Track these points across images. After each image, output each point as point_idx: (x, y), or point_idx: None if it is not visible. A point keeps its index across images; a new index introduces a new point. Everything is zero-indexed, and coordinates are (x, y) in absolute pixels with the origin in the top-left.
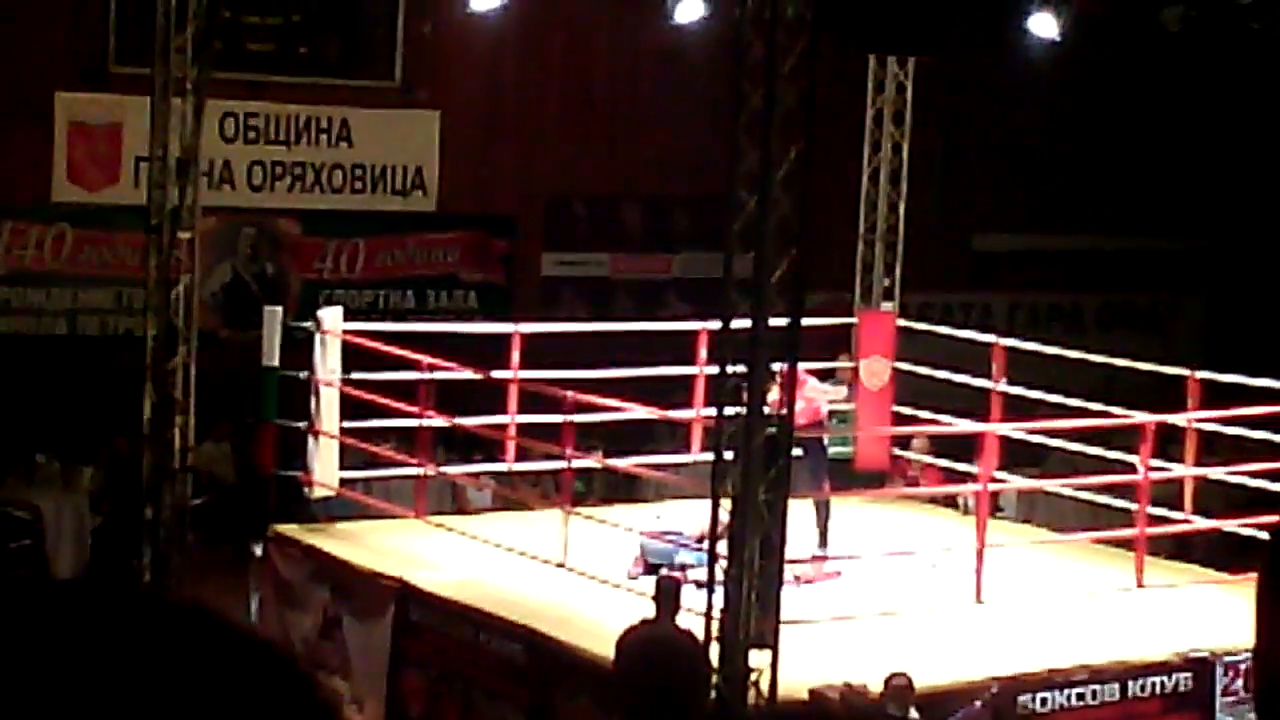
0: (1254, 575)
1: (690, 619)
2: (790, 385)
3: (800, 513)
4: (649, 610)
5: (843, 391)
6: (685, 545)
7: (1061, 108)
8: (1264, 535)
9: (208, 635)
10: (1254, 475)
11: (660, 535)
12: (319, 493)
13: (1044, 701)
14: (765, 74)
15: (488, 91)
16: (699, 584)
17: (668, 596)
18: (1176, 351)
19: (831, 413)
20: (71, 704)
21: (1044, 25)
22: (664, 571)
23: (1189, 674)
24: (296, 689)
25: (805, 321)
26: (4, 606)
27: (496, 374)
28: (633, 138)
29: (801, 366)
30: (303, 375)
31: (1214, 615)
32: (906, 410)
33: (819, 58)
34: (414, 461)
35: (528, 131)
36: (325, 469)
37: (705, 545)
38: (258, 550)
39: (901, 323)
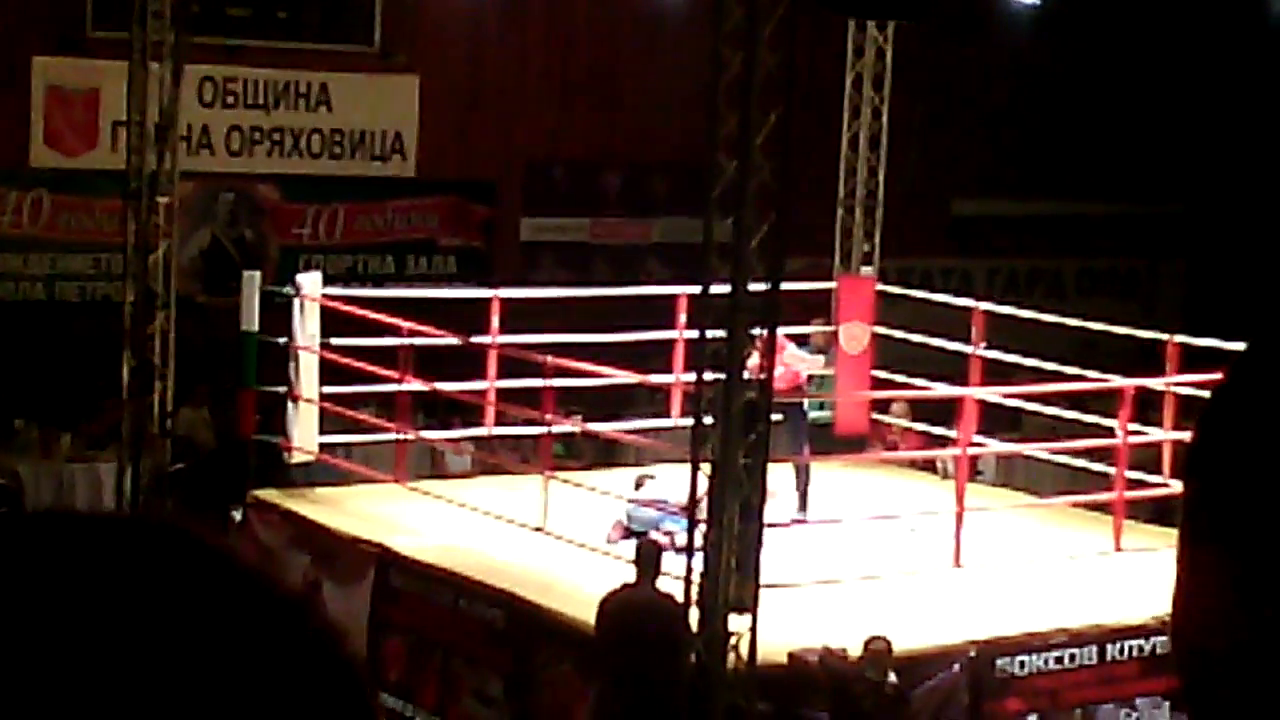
0: None
1: (670, 583)
2: (770, 350)
3: (780, 477)
4: (629, 575)
5: (822, 360)
6: (672, 513)
7: (1041, 72)
8: None
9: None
10: None
11: (647, 503)
12: (298, 458)
13: (1022, 665)
14: (745, 39)
15: (467, 56)
16: (679, 549)
17: (648, 561)
18: (1156, 316)
19: (811, 377)
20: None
21: None
22: (648, 535)
23: (1166, 637)
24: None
25: (785, 286)
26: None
27: (476, 339)
28: (613, 103)
29: (781, 331)
30: (282, 340)
31: None
32: (886, 375)
33: (799, 23)
34: (393, 426)
35: (507, 97)
36: (304, 434)
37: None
38: (237, 515)
39: (881, 287)
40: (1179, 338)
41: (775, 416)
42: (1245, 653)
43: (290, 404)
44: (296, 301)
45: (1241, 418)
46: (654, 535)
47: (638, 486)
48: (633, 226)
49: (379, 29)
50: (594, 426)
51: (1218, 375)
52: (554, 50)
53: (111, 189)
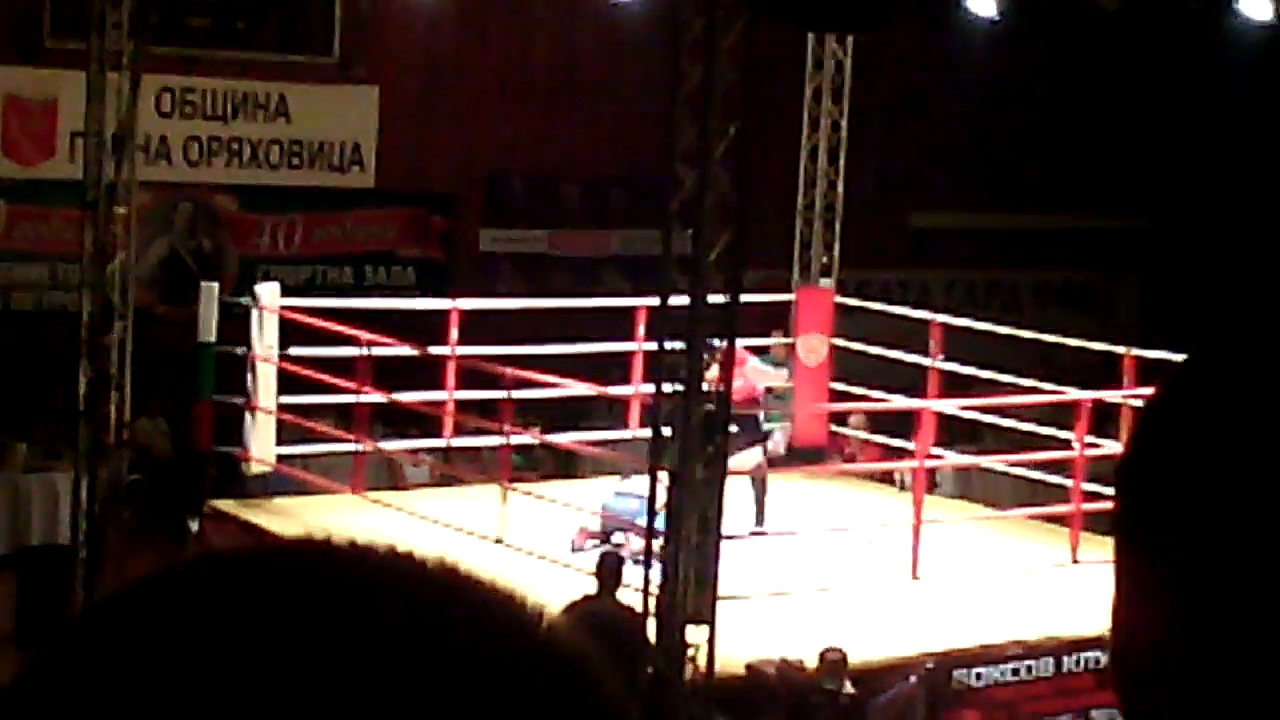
0: None
1: (630, 594)
2: (728, 362)
3: (737, 489)
4: (590, 586)
5: (784, 374)
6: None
7: (1000, 85)
8: None
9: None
10: None
11: (623, 495)
12: (256, 469)
13: (978, 676)
14: (704, 51)
15: (426, 68)
16: (637, 560)
17: (610, 572)
18: (1113, 330)
19: (769, 390)
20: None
21: (982, 4)
22: (618, 536)
23: None
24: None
25: (743, 298)
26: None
27: (434, 350)
28: (572, 115)
29: (740, 344)
30: (240, 351)
31: None
32: (844, 387)
33: (758, 35)
34: (351, 437)
35: (466, 108)
36: (262, 445)
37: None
38: (194, 526)
39: (839, 300)
40: (1135, 351)
41: (730, 428)
42: (1179, 667)
43: (248, 415)
44: (254, 312)
45: (1174, 431)
46: (630, 531)
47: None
48: (591, 238)
49: (338, 40)
50: (552, 438)
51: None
52: (512, 61)
53: (69, 199)
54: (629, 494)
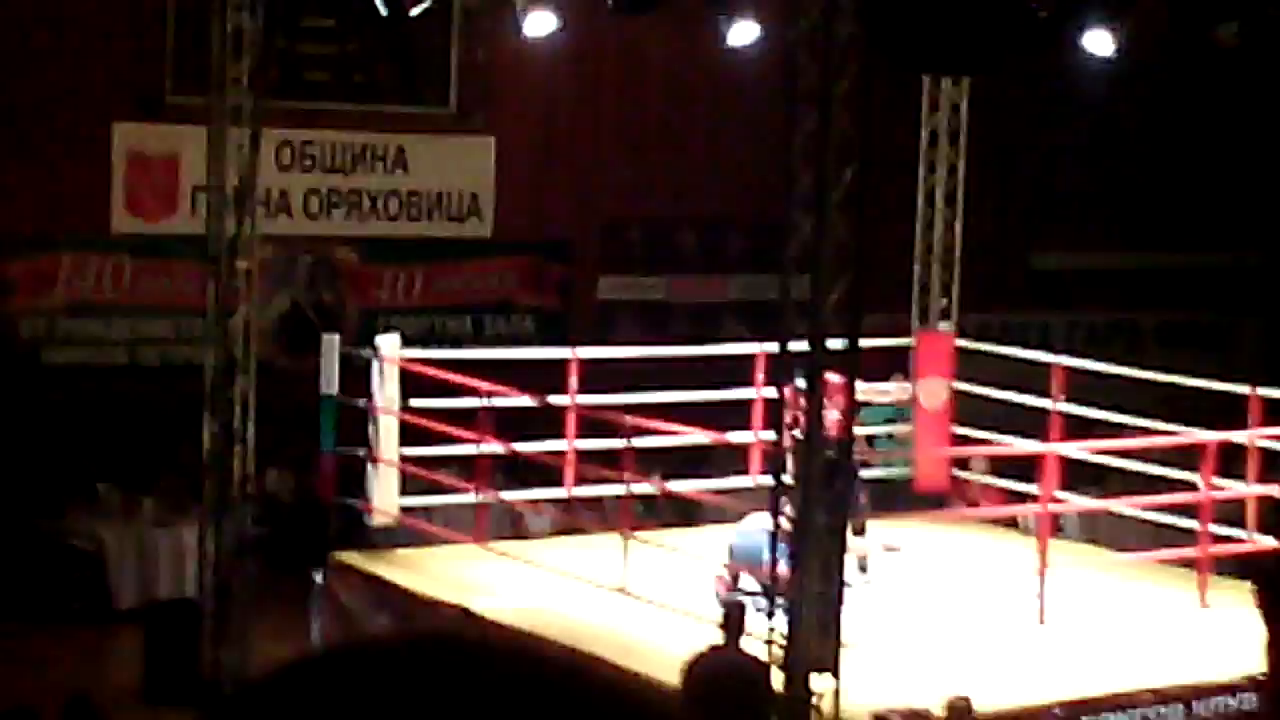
0: None
1: (754, 644)
2: (848, 408)
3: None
4: (713, 636)
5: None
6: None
7: (1118, 122)
8: None
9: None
10: None
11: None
12: (379, 520)
13: None
14: (819, 97)
15: (542, 117)
16: (759, 607)
17: (733, 621)
18: (1236, 369)
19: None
20: None
21: (1099, 43)
22: (745, 574)
23: (1255, 695)
24: None
25: (863, 343)
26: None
27: (554, 399)
28: (687, 160)
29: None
30: (361, 403)
31: None
32: (965, 431)
33: (873, 79)
34: (473, 488)
35: (582, 156)
36: (385, 496)
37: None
38: (318, 578)
39: (959, 343)
40: (1260, 390)
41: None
42: None
43: (370, 466)
44: (375, 364)
45: None
46: (757, 571)
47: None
48: (709, 284)
49: (455, 91)
50: (673, 486)
51: None
52: (628, 108)
53: (192, 254)
54: (751, 532)
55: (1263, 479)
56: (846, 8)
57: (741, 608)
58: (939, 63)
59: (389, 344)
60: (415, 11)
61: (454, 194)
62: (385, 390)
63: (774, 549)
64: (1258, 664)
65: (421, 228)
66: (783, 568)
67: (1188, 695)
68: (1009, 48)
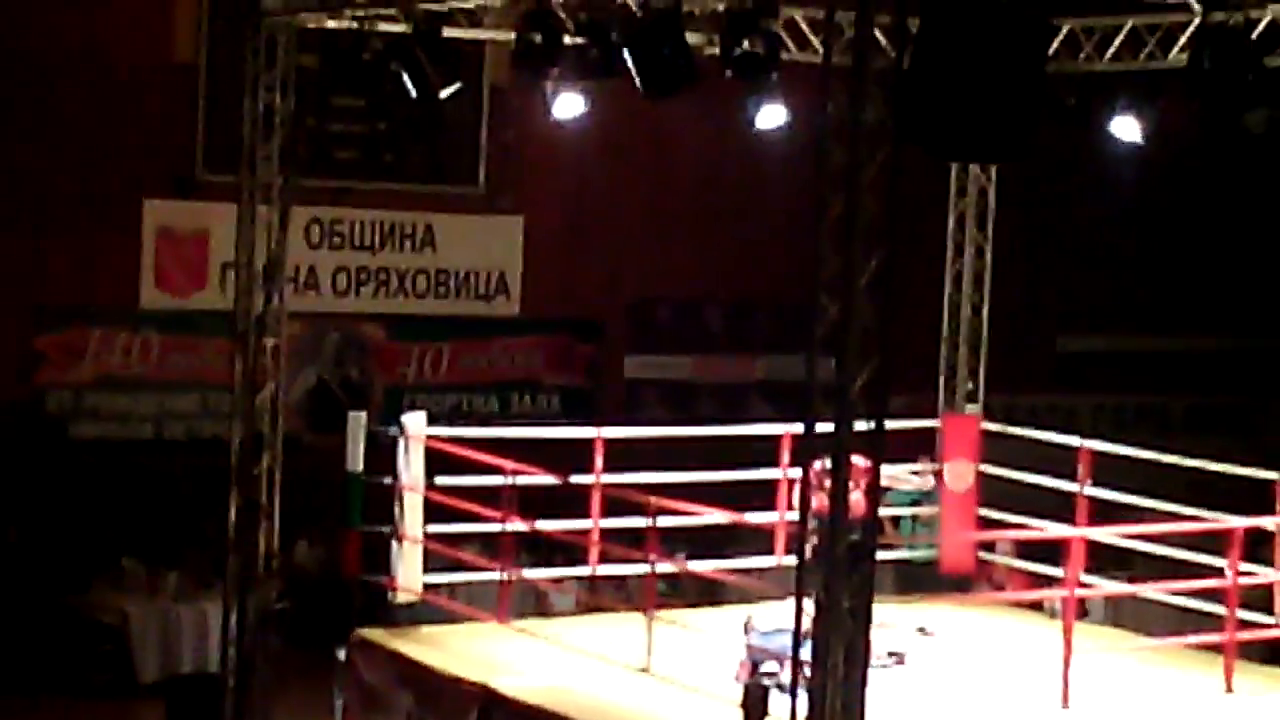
0: None
1: None
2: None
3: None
4: (735, 717)
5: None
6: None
7: (1146, 207)
8: None
9: None
10: None
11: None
12: (403, 597)
13: None
14: (846, 182)
15: (571, 197)
16: (780, 685)
17: (755, 702)
18: (1264, 453)
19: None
20: None
21: (1126, 129)
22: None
23: None
24: None
25: (889, 425)
26: None
27: (578, 478)
28: (715, 242)
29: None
30: (387, 480)
31: None
32: (992, 513)
33: (901, 164)
34: (497, 566)
35: (611, 236)
36: (409, 573)
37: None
38: (341, 655)
39: (985, 425)
40: None
41: None
42: None
43: (395, 543)
44: (401, 441)
45: None
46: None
47: (746, 631)
48: (736, 364)
49: (484, 170)
50: (697, 565)
51: None
52: (656, 189)
53: (219, 329)
54: (770, 632)
55: None
56: (875, 94)
57: (764, 690)
58: (966, 151)
59: (415, 422)
60: (445, 94)
61: (482, 272)
62: (411, 468)
63: (796, 642)
64: None
65: (449, 305)
66: (805, 654)
67: None
68: (1035, 136)
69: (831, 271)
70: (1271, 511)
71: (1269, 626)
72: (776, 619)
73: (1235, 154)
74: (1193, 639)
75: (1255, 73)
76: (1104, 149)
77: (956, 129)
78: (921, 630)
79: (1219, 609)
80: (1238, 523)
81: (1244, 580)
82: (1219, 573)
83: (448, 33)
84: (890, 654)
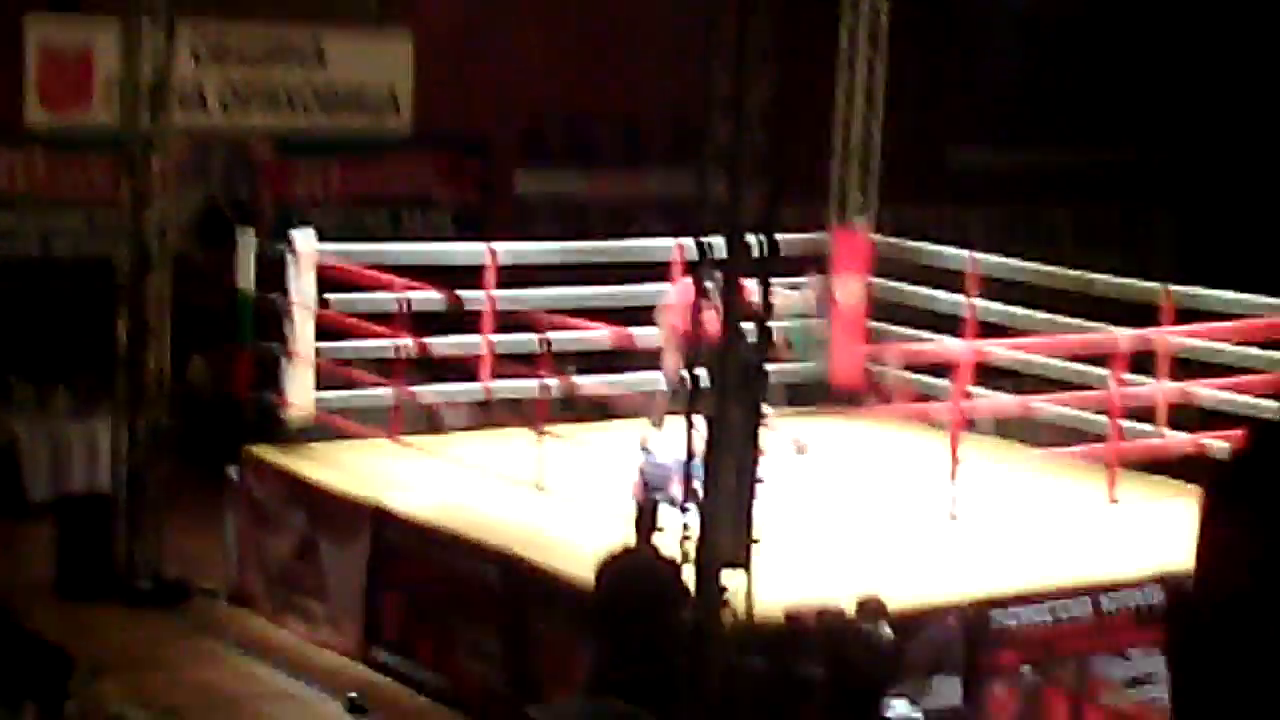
0: None
1: (667, 540)
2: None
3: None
4: (626, 532)
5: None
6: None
7: (1035, 21)
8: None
9: None
10: (1233, 390)
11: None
12: (294, 415)
13: (1016, 618)
14: (737, 2)
15: (462, 13)
16: (673, 503)
17: (645, 518)
18: (1151, 265)
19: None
20: None
21: None
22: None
23: (1160, 589)
24: None
25: (780, 239)
26: None
27: (470, 295)
28: (609, 58)
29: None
30: (277, 298)
31: (1187, 530)
32: (882, 327)
33: None
34: (388, 384)
35: (502, 52)
36: (300, 392)
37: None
38: (232, 473)
39: (876, 238)
40: (1173, 287)
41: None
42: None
43: (286, 362)
44: (290, 258)
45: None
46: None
47: (642, 450)
48: (629, 179)
49: None
50: (589, 381)
51: (1213, 325)
52: (548, 5)
53: (106, 147)
54: (659, 460)
55: (1174, 376)
56: None
57: (654, 505)
58: None
59: (304, 239)
60: None
61: (372, 89)
62: (301, 285)
63: (689, 458)
64: (1163, 559)
65: (339, 122)
66: (697, 471)
67: (1095, 590)
68: None
69: (723, 90)
70: (1156, 323)
71: (1151, 436)
72: (669, 440)
73: None
74: (1078, 450)
75: None
76: None
77: None
78: (799, 448)
79: (1104, 422)
80: (1122, 335)
81: (1128, 392)
82: (1104, 385)
83: None
84: (797, 448)
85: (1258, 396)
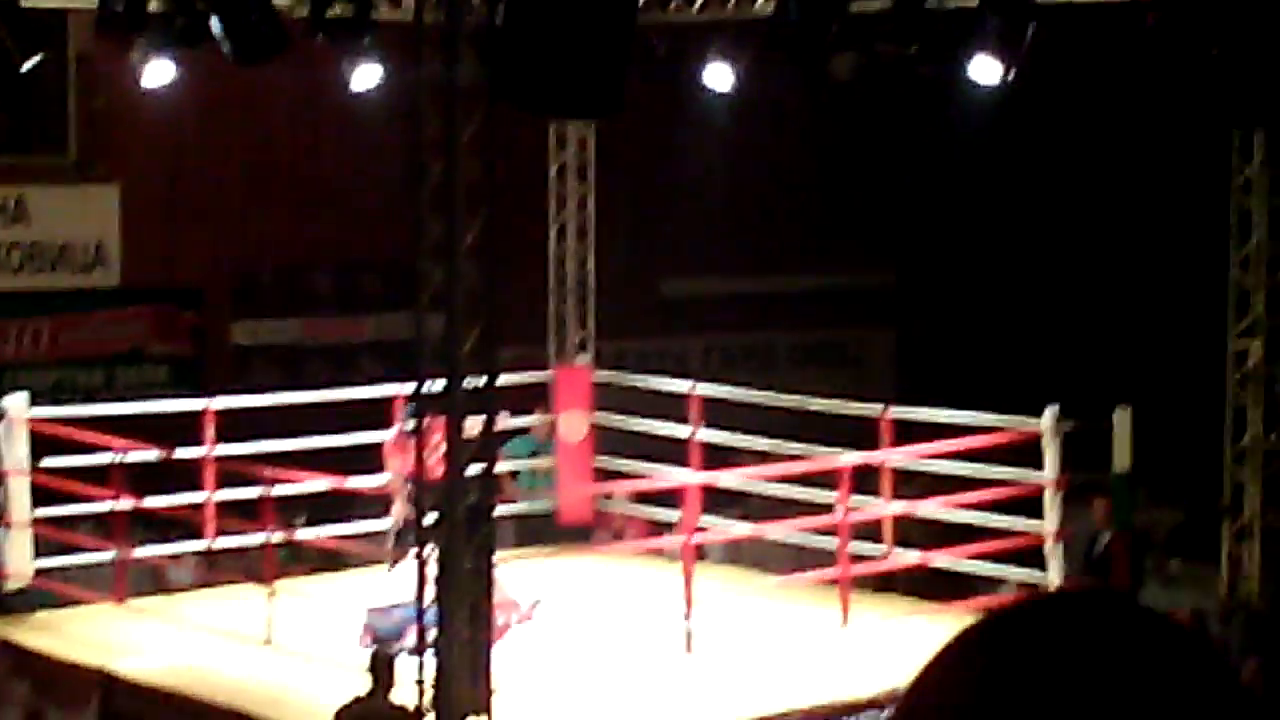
0: (956, 604)
1: (405, 690)
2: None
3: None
4: (362, 684)
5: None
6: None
7: (743, 152)
8: (963, 566)
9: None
10: (957, 507)
11: (384, 610)
12: (12, 584)
13: None
14: (445, 146)
15: (168, 164)
16: (412, 652)
17: (382, 669)
18: (868, 386)
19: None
20: None
21: (719, 78)
22: (394, 646)
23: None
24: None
25: (501, 380)
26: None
27: (189, 451)
28: (319, 206)
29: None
30: None
31: (919, 646)
32: (609, 461)
33: (499, 122)
34: (110, 545)
35: (211, 203)
36: (18, 559)
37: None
38: None
39: (597, 374)
40: (892, 409)
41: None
42: None
43: (2, 530)
44: (3, 424)
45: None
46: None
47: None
48: (346, 325)
49: (74, 139)
50: (315, 532)
51: (934, 446)
52: (255, 152)
53: None
54: (387, 611)
55: (897, 494)
56: (469, 53)
57: (390, 656)
58: (560, 107)
59: (16, 403)
60: (28, 66)
61: (78, 244)
62: (14, 451)
63: (420, 606)
64: (898, 677)
65: (46, 279)
66: (430, 618)
67: (832, 714)
68: (625, 90)
69: (434, 236)
70: (876, 444)
71: (879, 559)
72: (394, 590)
73: (827, 99)
74: (810, 574)
75: (841, 20)
76: (700, 98)
77: (550, 85)
78: (533, 605)
79: (833, 543)
80: (847, 459)
81: (854, 515)
82: (830, 508)
83: (26, 2)
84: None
85: (981, 509)
